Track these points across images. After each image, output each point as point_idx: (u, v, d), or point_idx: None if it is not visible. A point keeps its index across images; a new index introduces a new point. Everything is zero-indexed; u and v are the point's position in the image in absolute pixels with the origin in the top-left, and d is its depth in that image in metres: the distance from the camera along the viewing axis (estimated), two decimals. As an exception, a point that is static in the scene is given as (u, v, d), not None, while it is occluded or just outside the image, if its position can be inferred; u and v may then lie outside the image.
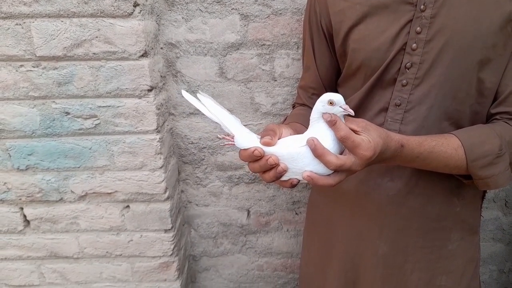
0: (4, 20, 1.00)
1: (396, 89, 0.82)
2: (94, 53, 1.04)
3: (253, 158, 0.63)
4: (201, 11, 1.19)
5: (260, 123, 1.34)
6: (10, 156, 1.16)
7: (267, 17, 1.19)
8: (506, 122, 0.79)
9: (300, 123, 0.88)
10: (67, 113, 1.11)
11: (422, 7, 0.75)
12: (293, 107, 1.08)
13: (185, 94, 0.68)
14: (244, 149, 0.64)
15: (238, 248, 1.57)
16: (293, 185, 0.66)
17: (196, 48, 1.23)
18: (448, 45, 0.75)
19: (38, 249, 1.30)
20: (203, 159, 1.40)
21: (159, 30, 1.20)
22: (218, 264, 1.61)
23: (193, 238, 1.56)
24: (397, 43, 0.79)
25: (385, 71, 0.81)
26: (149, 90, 1.10)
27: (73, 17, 1.00)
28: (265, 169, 0.64)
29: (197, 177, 1.43)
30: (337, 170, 0.63)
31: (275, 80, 1.28)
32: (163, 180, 1.22)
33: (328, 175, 0.64)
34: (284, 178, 0.65)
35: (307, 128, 0.68)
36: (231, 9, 1.18)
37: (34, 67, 1.05)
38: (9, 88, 1.07)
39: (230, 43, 1.22)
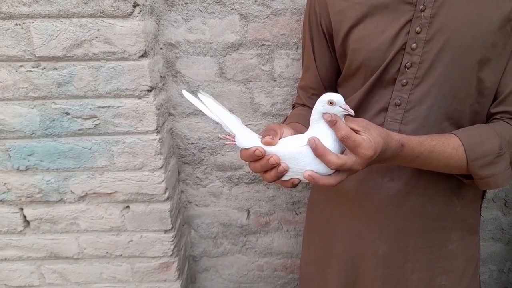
0: (4, 21, 1.00)
1: (396, 89, 0.82)
2: (93, 54, 1.04)
3: (254, 157, 0.63)
4: (201, 11, 1.19)
5: (260, 123, 1.34)
6: (10, 156, 1.16)
7: (267, 17, 1.19)
8: (506, 122, 0.79)
9: (300, 123, 0.88)
10: (67, 114, 1.11)
11: (421, 7, 0.75)
12: (293, 107, 1.09)
13: (186, 94, 0.68)
14: (245, 148, 0.64)
15: (238, 249, 1.57)
16: (294, 184, 0.66)
17: (195, 48, 1.23)
18: (448, 44, 0.75)
19: (38, 249, 1.30)
20: (203, 159, 1.40)
21: (158, 30, 1.20)
22: (218, 265, 1.61)
23: (193, 238, 1.56)
24: (396, 43, 0.79)
25: (385, 71, 0.82)
26: (149, 91, 1.10)
27: (73, 18, 1.00)
28: (266, 169, 0.64)
29: (197, 177, 1.43)
30: (338, 170, 0.63)
31: (275, 80, 1.28)
32: (163, 181, 1.22)
33: (329, 174, 0.64)
34: (285, 177, 0.65)
35: (307, 128, 0.68)
36: (231, 9, 1.18)
37: (33, 67, 1.05)
38: (9, 88, 1.07)
39: (230, 43, 1.22)
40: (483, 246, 1.46)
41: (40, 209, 1.24)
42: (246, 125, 0.68)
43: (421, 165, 0.77)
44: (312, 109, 0.66)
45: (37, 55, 1.04)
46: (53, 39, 1.02)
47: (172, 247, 1.32)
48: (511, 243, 1.53)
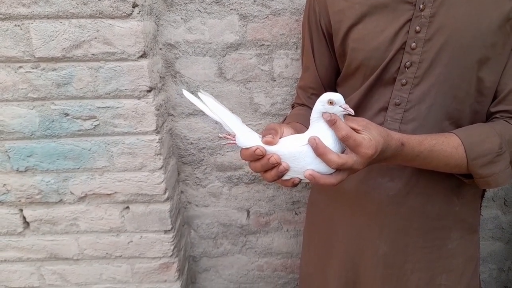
0: (3, 22, 1.00)
1: (396, 89, 0.82)
2: (93, 54, 1.04)
3: (255, 157, 0.63)
4: (200, 11, 1.19)
5: (259, 123, 1.34)
6: (9, 157, 1.15)
7: (266, 17, 1.19)
8: (506, 121, 0.79)
9: (300, 123, 0.88)
10: (66, 114, 1.11)
11: (421, 6, 0.75)
12: (292, 107, 1.09)
13: (186, 94, 0.68)
14: (246, 148, 0.64)
15: (238, 249, 1.57)
16: (294, 184, 0.66)
17: (195, 49, 1.23)
18: (448, 44, 0.75)
19: (37, 250, 1.30)
20: (203, 159, 1.40)
21: (158, 30, 1.20)
22: (218, 265, 1.61)
23: (193, 238, 1.56)
24: (396, 43, 0.79)
25: (384, 71, 0.82)
26: (148, 91, 1.10)
27: (72, 18, 1.00)
28: (266, 168, 0.64)
29: (196, 177, 1.43)
30: (338, 169, 0.63)
31: (274, 80, 1.28)
32: (162, 181, 1.21)
33: (330, 174, 0.64)
34: (285, 177, 0.65)
35: (307, 128, 0.68)
36: (230, 9, 1.18)
37: (33, 68, 1.05)
38: (8, 89, 1.07)
39: (229, 43, 1.22)
40: (483, 245, 1.46)
41: (39, 210, 1.24)
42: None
43: (421, 165, 0.77)
44: (311, 109, 0.66)
45: (36, 56, 1.03)
46: (52, 40, 1.02)
47: (172, 247, 1.32)
48: (510, 242, 1.54)
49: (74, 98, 1.09)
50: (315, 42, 0.95)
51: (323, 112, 0.64)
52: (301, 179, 0.65)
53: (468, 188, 0.87)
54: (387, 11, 0.79)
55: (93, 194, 1.22)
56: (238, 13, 1.19)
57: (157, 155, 1.17)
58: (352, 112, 0.63)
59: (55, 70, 1.06)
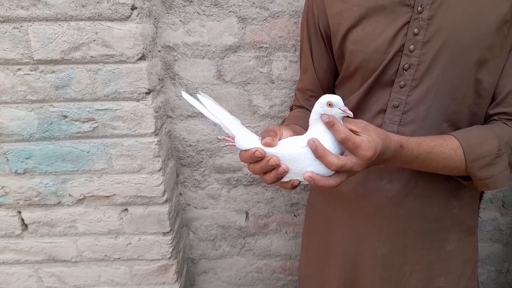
0: (2, 24, 1.00)
1: (394, 91, 0.82)
2: (91, 56, 1.04)
3: (254, 159, 0.63)
4: (199, 14, 1.19)
5: (258, 125, 1.34)
6: (8, 159, 1.15)
7: (265, 19, 1.19)
8: (504, 123, 0.79)
9: (298, 125, 0.88)
10: (65, 117, 1.11)
11: (419, 8, 0.75)
12: (291, 109, 1.09)
13: (185, 95, 0.68)
14: (245, 150, 0.64)
15: (236, 251, 1.57)
16: (293, 186, 0.66)
17: (194, 51, 1.24)
18: (446, 46, 0.75)
19: (36, 253, 1.30)
20: (201, 161, 1.40)
21: (156, 33, 1.20)
22: (216, 267, 1.61)
23: (192, 240, 1.55)
24: (394, 45, 0.79)
25: (382, 73, 0.82)
26: (147, 93, 1.10)
27: (71, 21, 1.00)
28: (266, 170, 0.64)
29: (195, 179, 1.43)
30: (338, 171, 0.63)
31: (273, 83, 1.28)
32: (161, 183, 1.21)
33: (329, 176, 0.64)
34: (285, 179, 0.65)
35: (306, 130, 0.68)
36: (229, 11, 1.19)
37: (31, 70, 1.05)
38: (7, 91, 1.07)
39: (228, 45, 1.23)
40: (481, 247, 1.47)
41: (38, 212, 1.24)
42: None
43: (420, 166, 0.77)
44: (310, 111, 0.66)
45: (35, 58, 1.03)
46: (51, 42, 1.02)
47: (171, 249, 1.32)
48: (509, 244, 1.54)
49: (73, 100, 1.09)
50: (314, 44, 0.96)
51: (322, 114, 0.64)
52: (300, 181, 0.65)
53: (467, 190, 0.87)
54: (386, 13, 0.79)
55: (92, 196, 1.22)
56: (236, 16, 1.19)
57: (156, 157, 1.17)
58: (351, 114, 0.63)
59: (54, 72, 1.06)
